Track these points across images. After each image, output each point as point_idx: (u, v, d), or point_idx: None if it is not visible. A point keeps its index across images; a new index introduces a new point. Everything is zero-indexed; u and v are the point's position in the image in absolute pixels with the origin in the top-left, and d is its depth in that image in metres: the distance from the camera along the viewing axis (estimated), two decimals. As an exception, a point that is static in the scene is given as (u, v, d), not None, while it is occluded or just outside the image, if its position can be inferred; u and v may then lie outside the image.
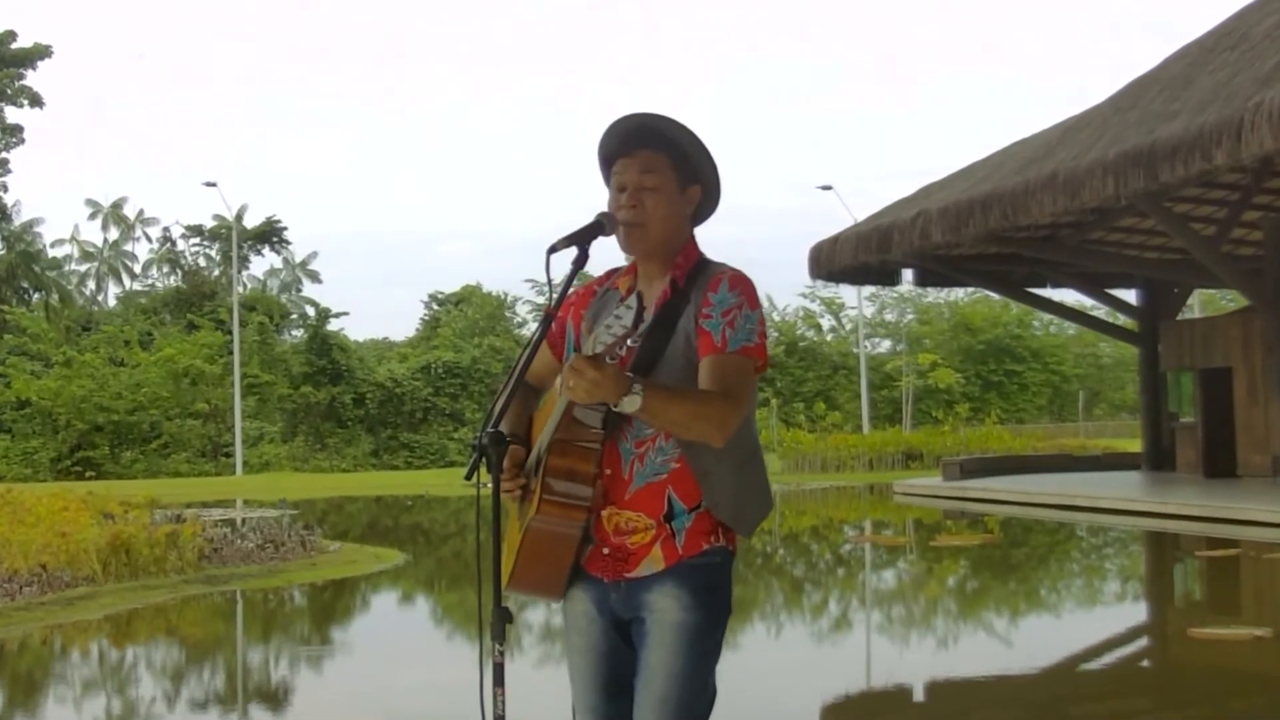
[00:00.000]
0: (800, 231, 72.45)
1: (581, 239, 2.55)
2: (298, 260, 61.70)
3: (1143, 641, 9.28)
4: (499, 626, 2.47)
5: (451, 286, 52.03)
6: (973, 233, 18.55)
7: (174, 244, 58.61)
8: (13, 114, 47.66)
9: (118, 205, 62.58)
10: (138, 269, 62.65)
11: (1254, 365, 19.79)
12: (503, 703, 2.45)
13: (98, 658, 8.60)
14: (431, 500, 25.78)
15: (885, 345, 51.44)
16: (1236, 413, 20.31)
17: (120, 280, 62.59)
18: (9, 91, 46.72)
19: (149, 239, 62.38)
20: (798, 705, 6.53)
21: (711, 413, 2.48)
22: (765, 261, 30.78)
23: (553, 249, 2.50)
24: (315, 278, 62.74)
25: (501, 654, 2.47)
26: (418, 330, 51.76)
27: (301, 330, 50.82)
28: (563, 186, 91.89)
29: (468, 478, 2.46)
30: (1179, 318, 25.21)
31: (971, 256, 22.12)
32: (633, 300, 2.39)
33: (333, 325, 46.45)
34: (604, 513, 2.60)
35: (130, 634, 9.38)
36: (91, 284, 62.66)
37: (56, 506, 13.85)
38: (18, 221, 53.29)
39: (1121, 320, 28.15)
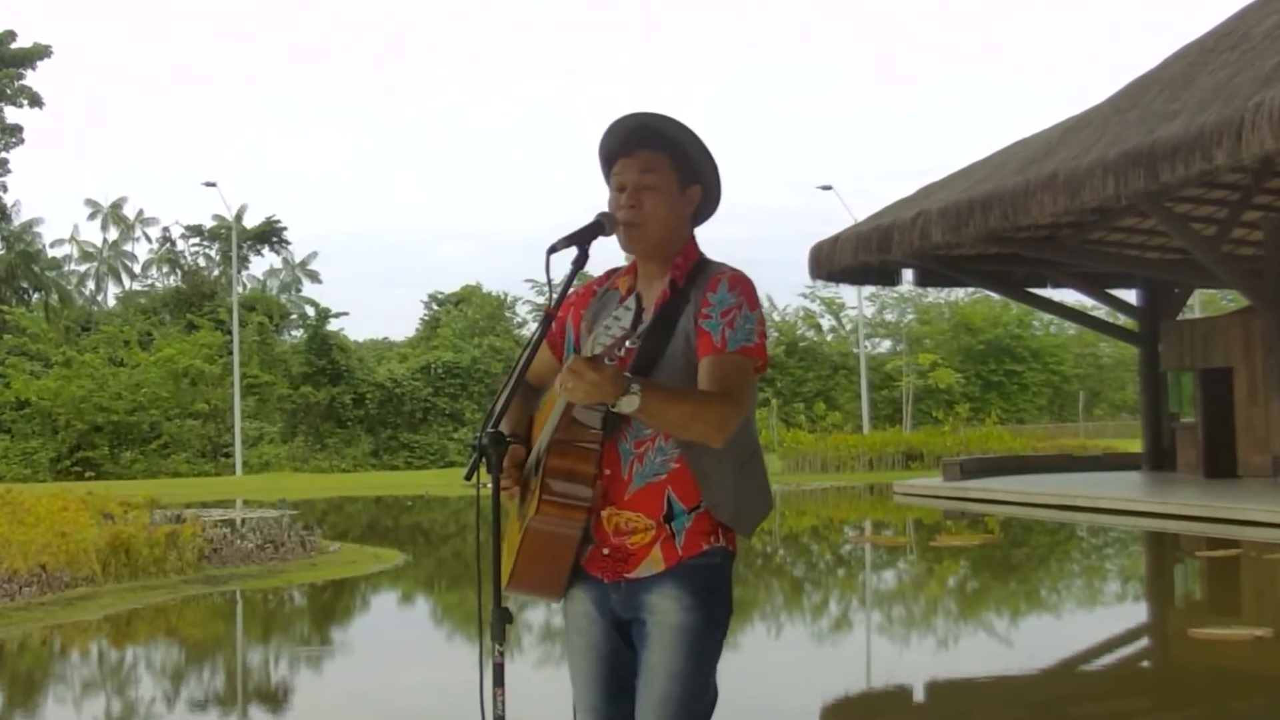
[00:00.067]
0: (800, 231, 72.52)
1: (581, 239, 2.55)
2: (297, 260, 61.74)
3: (1143, 642, 9.28)
4: (499, 627, 2.46)
5: (451, 286, 52.10)
6: (973, 233, 18.54)
7: (174, 244, 58.65)
8: (12, 114, 47.70)
9: (117, 205, 62.60)
10: (137, 269, 62.71)
11: (1254, 365, 19.79)
12: (503, 703, 2.45)
13: (97, 658, 8.59)
14: (431, 500, 25.78)
15: (885, 345, 51.47)
16: (1237, 413, 20.30)
17: (120, 280, 62.64)
18: (9, 91, 46.71)
19: (149, 239, 62.48)
20: (798, 706, 6.52)
21: (711, 413, 2.47)
22: (765, 261, 30.80)
23: (553, 249, 2.50)
24: (315, 278, 62.78)
25: (501, 654, 2.46)
26: (418, 330, 51.77)
27: (301, 330, 50.82)
28: (563, 186, 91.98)
29: (468, 478, 2.46)
30: (1179, 318, 25.21)
31: (972, 256, 22.11)
32: (631, 301, 2.38)
33: (332, 325, 46.50)
34: (604, 513, 2.59)
35: (130, 634, 9.37)
36: (91, 284, 62.71)
37: (56, 507, 13.85)
38: (17, 221, 53.31)
39: (1122, 320, 28.14)
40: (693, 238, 2.72)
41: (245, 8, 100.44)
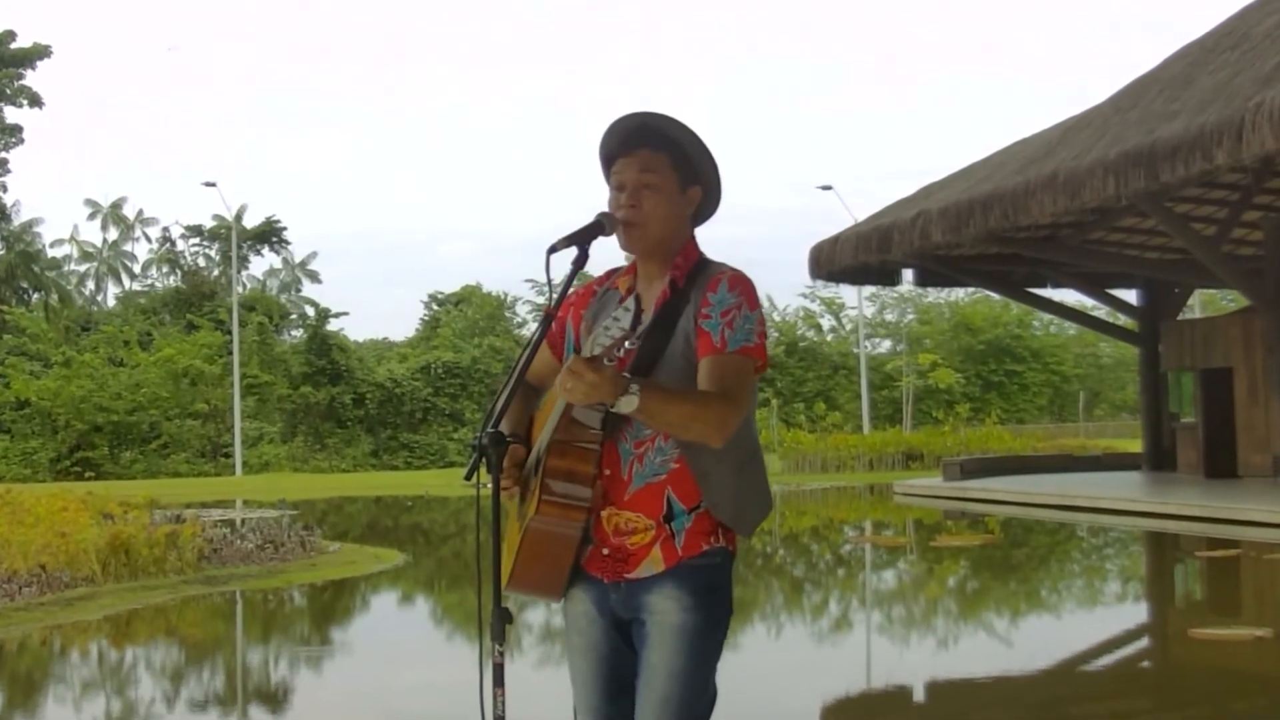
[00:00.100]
0: (800, 231, 72.49)
1: (581, 239, 2.55)
2: (297, 260, 61.74)
3: (1143, 642, 9.27)
4: (499, 627, 2.46)
5: (451, 286, 52.09)
6: (973, 233, 18.54)
7: (173, 244, 58.66)
8: (12, 114, 47.69)
9: (117, 205, 62.59)
10: (137, 269, 62.70)
11: (1254, 365, 19.78)
12: (503, 703, 2.44)
13: (97, 658, 8.59)
14: (431, 500, 25.77)
15: (885, 345, 51.47)
16: (1237, 413, 20.30)
17: (120, 280, 62.64)
18: (8, 91, 46.71)
19: (148, 239, 62.48)
20: (798, 706, 6.52)
21: (710, 414, 2.47)
22: (765, 261, 30.76)
23: (553, 249, 2.50)
24: (315, 278, 62.78)
25: (501, 654, 2.46)
26: (417, 330, 51.77)
27: (301, 330, 50.83)
28: (563, 186, 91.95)
29: (467, 478, 2.46)
30: (1179, 318, 25.21)
31: (972, 256, 22.11)
32: (630, 302, 2.38)
33: (332, 325, 46.50)
34: (603, 513, 2.59)
35: (129, 634, 9.37)
36: (91, 284, 62.71)
37: (56, 507, 13.84)
38: (17, 221, 53.32)
39: (1122, 320, 28.14)
40: (693, 238, 2.72)
41: (245, 8, 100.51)
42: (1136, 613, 10.76)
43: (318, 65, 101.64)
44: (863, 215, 24.92)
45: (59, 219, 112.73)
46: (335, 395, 42.89)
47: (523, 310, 50.75)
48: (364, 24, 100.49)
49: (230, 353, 41.00)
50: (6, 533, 11.62)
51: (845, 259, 21.68)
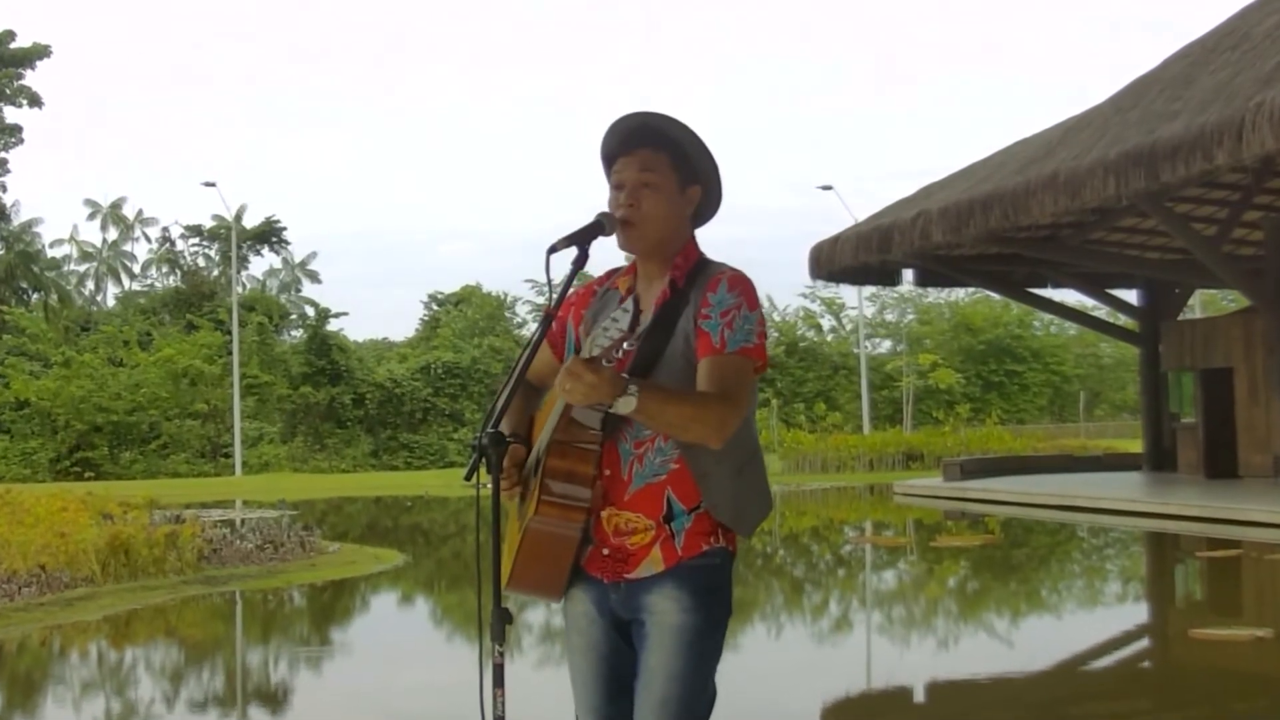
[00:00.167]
0: (800, 231, 72.51)
1: (581, 239, 2.55)
2: (297, 260, 61.74)
3: (1144, 642, 9.27)
4: (499, 627, 2.46)
5: (451, 286, 52.06)
6: (973, 233, 18.54)
7: (173, 244, 58.65)
8: (12, 114, 47.67)
9: (117, 205, 62.59)
10: (137, 269, 62.70)
11: (1255, 365, 19.78)
12: (502, 704, 2.44)
13: (96, 659, 8.58)
14: (431, 501, 25.77)
15: (886, 345, 51.46)
16: (1237, 413, 20.29)
17: (119, 280, 62.62)
18: (8, 91, 46.69)
19: (148, 239, 62.48)
20: (798, 706, 6.52)
21: (709, 415, 2.47)
22: (765, 261, 30.81)
23: (553, 249, 2.49)
24: (315, 278, 62.78)
25: (501, 655, 2.46)
26: (417, 330, 51.75)
27: (301, 330, 50.82)
28: (563, 186, 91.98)
29: (467, 478, 2.45)
30: (1180, 318, 25.20)
31: (972, 257, 22.10)
32: (629, 303, 2.38)
33: (332, 325, 46.47)
34: (603, 514, 2.59)
35: (129, 635, 9.36)
36: (90, 284, 62.69)
37: (55, 507, 13.84)
38: (17, 221, 53.31)
39: (1122, 320, 28.14)
40: (693, 238, 2.71)
41: (245, 8, 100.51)
42: (1137, 613, 10.76)
43: (318, 65, 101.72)
44: (863, 215, 24.95)
45: (59, 219, 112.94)
46: (335, 395, 42.88)
47: (523, 310, 50.80)
48: (364, 24, 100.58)
49: (230, 353, 40.99)
50: (6, 533, 11.61)
51: (845, 259, 21.68)
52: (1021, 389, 49.44)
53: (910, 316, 51.36)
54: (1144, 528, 15.83)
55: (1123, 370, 50.22)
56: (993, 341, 48.88)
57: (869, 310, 48.80)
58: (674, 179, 2.64)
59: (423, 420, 43.63)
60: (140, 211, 62.98)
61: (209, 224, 55.10)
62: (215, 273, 55.13)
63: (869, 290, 44.61)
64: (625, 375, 2.43)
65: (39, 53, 47.27)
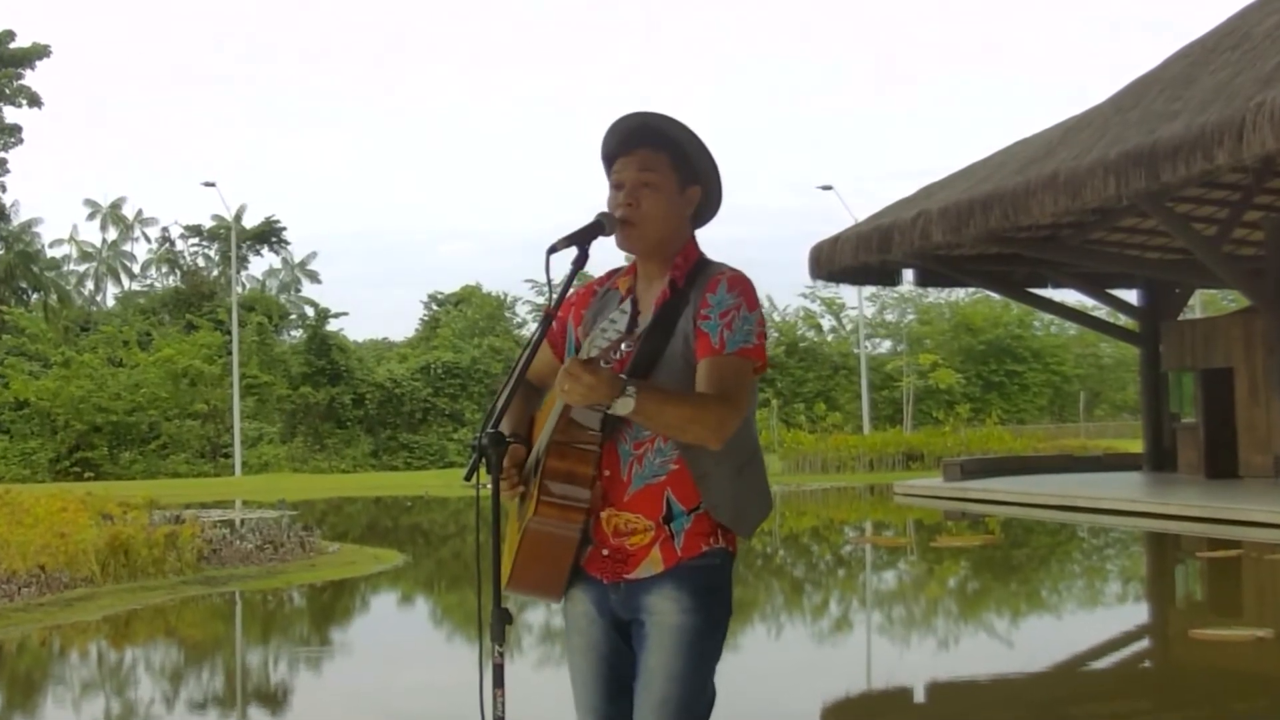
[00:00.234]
0: (800, 231, 72.50)
1: (581, 239, 2.54)
2: (297, 260, 61.74)
3: (1144, 642, 9.26)
4: (499, 628, 2.45)
5: (451, 287, 52.06)
6: (973, 233, 18.53)
7: (173, 244, 58.68)
8: (11, 114, 47.66)
9: (116, 205, 62.60)
10: (136, 269, 62.70)
11: (1255, 366, 19.78)
12: (502, 704, 2.44)
13: (96, 659, 8.58)
14: (431, 501, 25.76)
15: (886, 345, 51.46)
16: (1238, 413, 20.29)
17: (119, 280, 62.63)
18: (7, 91, 46.69)
19: (148, 239, 62.50)
20: (798, 707, 6.51)
21: (708, 416, 2.46)
22: (765, 261, 30.81)
23: (553, 249, 2.49)
24: (314, 278, 62.78)
25: (501, 655, 2.46)
26: (417, 330, 51.74)
27: (301, 330, 50.82)
28: (563, 186, 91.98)
29: (467, 478, 2.45)
30: (1180, 318, 25.19)
31: (972, 257, 22.10)
32: (627, 304, 2.38)
33: (332, 325, 46.48)
34: (603, 514, 2.58)
35: (129, 635, 9.36)
36: (90, 284, 62.69)
37: (55, 507, 13.84)
38: (16, 222, 53.30)
39: (1123, 320, 28.14)
40: (693, 238, 2.71)
41: (245, 8, 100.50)
42: (1137, 613, 10.75)
43: (318, 65, 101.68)
44: (863, 215, 24.94)
45: (58, 219, 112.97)
46: (335, 395, 42.87)
47: (523, 310, 50.80)
48: (364, 24, 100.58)
49: (230, 353, 40.98)
50: (6, 533, 11.61)
51: (845, 259, 21.67)
52: (1022, 389, 49.44)
53: (910, 316, 51.36)
54: (1144, 528, 15.83)
55: (1123, 370, 50.22)
56: (993, 341, 48.88)
57: (869, 310, 48.85)
58: (674, 179, 2.64)
59: (423, 420, 43.63)
60: (140, 211, 63.08)
61: (209, 224, 55.20)
62: (215, 273, 55.13)
63: (869, 290, 44.65)
64: (623, 376, 2.43)
65: (39, 53, 47.26)
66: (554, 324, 2.72)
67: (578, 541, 2.58)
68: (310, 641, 9.27)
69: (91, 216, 62.68)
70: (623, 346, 2.52)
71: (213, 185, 42.17)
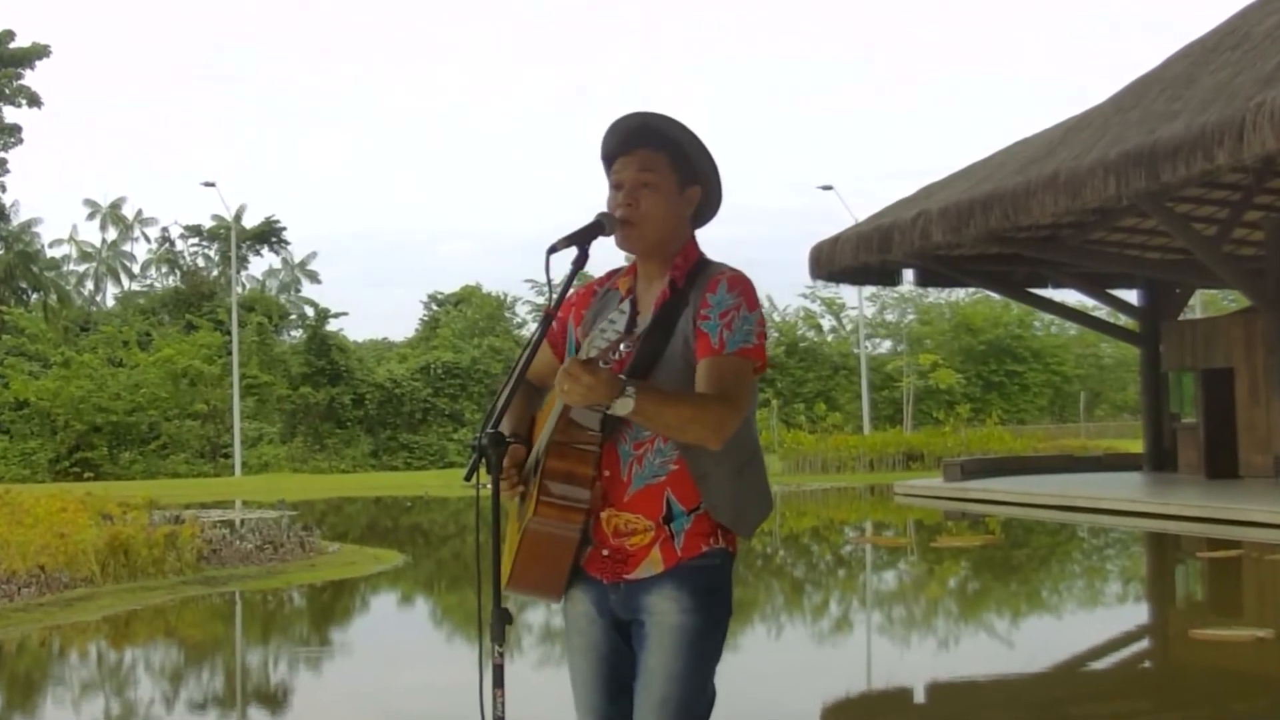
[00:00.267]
0: (800, 231, 72.52)
1: (581, 239, 2.54)
2: (297, 260, 61.73)
3: (1144, 643, 9.26)
4: (498, 628, 2.45)
5: (451, 287, 52.03)
6: (974, 233, 18.53)
7: (172, 244, 58.67)
8: (11, 114, 47.64)
9: (116, 205, 62.59)
10: (136, 269, 62.69)
11: (1256, 366, 19.77)
12: (502, 704, 2.44)
13: (96, 659, 8.57)
14: (431, 501, 25.76)
15: (886, 346, 51.44)
16: (1238, 413, 20.29)
17: (119, 280, 62.62)
18: (7, 91, 46.67)
19: (147, 239, 62.49)
20: (798, 707, 6.51)
21: (708, 416, 2.46)
22: (765, 261, 30.82)
23: (553, 249, 2.49)
24: (314, 278, 62.77)
25: (501, 655, 2.45)
26: (417, 331, 51.73)
27: (300, 331, 50.81)
28: (563, 186, 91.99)
29: (467, 478, 2.45)
30: (1180, 318, 25.20)
31: (972, 257, 22.10)
32: (626, 305, 2.38)
33: (332, 325, 46.47)
34: (603, 514, 2.58)
35: (129, 635, 9.35)
36: (90, 284, 62.67)
37: (55, 507, 13.83)
38: (16, 222, 53.28)
39: (1123, 321, 28.14)
40: (693, 238, 2.71)
41: (245, 8, 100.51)
42: (1137, 613, 10.75)
43: (318, 65, 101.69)
44: (863, 215, 24.94)
45: (58, 219, 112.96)
46: (335, 396, 42.87)
47: (523, 310, 50.78)
48: (364, 24, 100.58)
49: (229, 353, 40.98)
50: (5, 533, 11.60)
51: (845, 259, 21.67)
52: (1022, 389, 49.43)
53: (910, 316, 51.35)
54: (1144, 528, 15.83)
55: (1123, 370, 50.22)
56: (993, 342, 48.88)
57: (869, 310, 48.84)
58: (673, 179, 2.64)
59: (422, 420, 43.62)
60: (140, 211, 63.07)
61: (209, 224, 55.19)
62: (215, 273, 55.12)
63: (869, 290, 44.64)
64: (622, 376, 2.43)
65: (39, 53, 47.25)
66: (554, 324, 2.72)
67: (577, 542, 2.57)
68: (310, 642, 9.27)
69: (91, 216, 62.73)
70: (622, 347, 2.52)
71: (213, 185, 42.21)
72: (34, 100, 47.33)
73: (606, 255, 2.75)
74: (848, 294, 47.20)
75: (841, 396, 46.38)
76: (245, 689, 7.54)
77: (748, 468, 2.62)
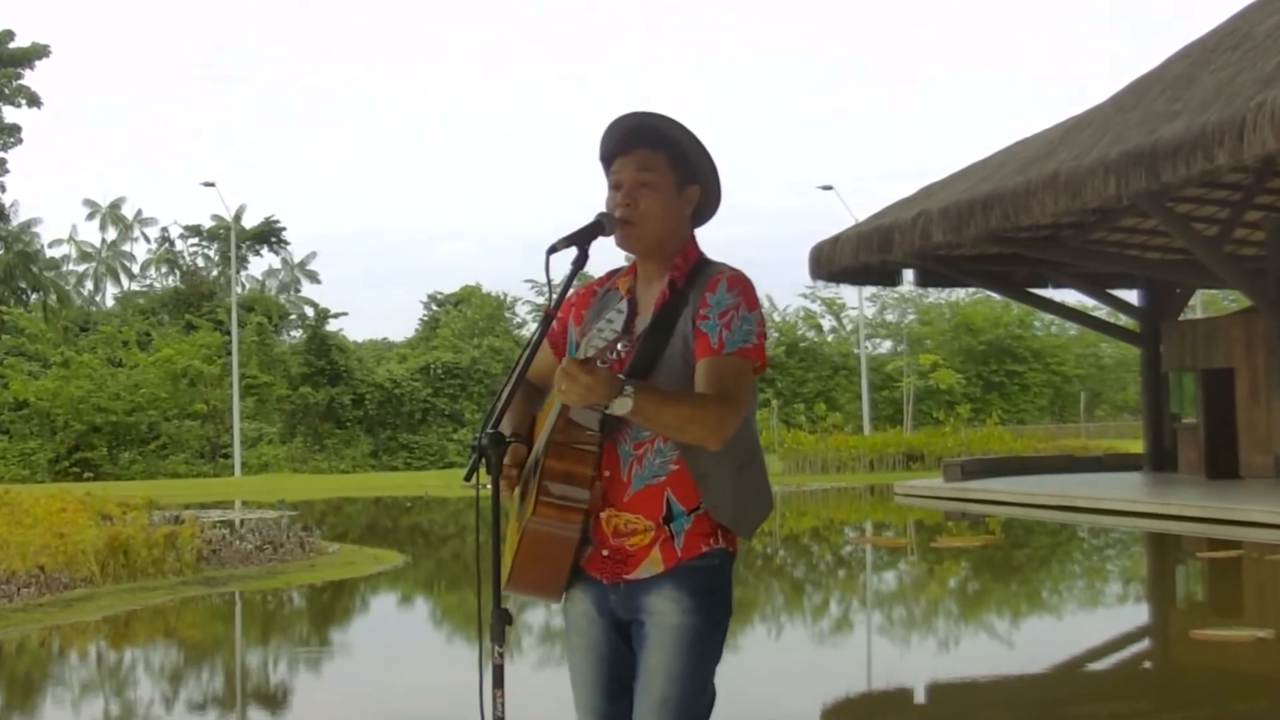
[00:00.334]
0: (800, 231, 72.54)
1: (581, 239, 2.54)
2: (296, 260, 61.74)
3: (1145, 643, 9.26)
4: (498, 628, 2.45)
5: (451, 287, 52.04)
6: (974, 233, 18.53)
7: (172, 244, 58.68)
8: (11, 114, 47.63)
9: (116, 205, 62.59)
10: (136, 269, 62.68)
11: (1256, 366, 19.77)
12: (502, 704, 2.43)
13: (96, 659, 8.57)
14: (431, 501, 25.75)
15: (886, 346, 51.44)
16: (1238, 413, 20.28)
17: (118, 281, 62.62)
18: (7, 91, 46.66)
19: (147, 239, 62.50)
20: (798, 707, 6.50)
21: (707, 416, 2.46)
22: (765, 261, 30.80)
23: (552, 249, 2.49)
24: (314, 278, 62.77)
25: (501, 656, 2.45)
26: (417, 331, 51.72)
27: (300, 331, 50.81)
28: (563, 186, 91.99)
29: (467, 479, 2.44)
30: (1181, 318, 25.19)
31: (973, 257, 22.09)
32: (623, 305, 2.38)
33: (332, 326, 46.47)
34: (603, 515, 2.58)
35: (128, 636, 9.35)
36: (89, 284, 62.67)
37: (54, 508, 13.83)
38: (15, 222, 53.26)
39: (1123, 321, 28.14)
40: (692, 238, 2.70)
41: (245, 8, 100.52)
42: (1138, 614, 10.75)
43: (318, 65, 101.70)
44: (863, 215, 24.94)
45: (58, 219, 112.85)
46: (334, 396, 42.86)
47: (522, 310, 50.78)
48: (364, 24, 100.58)
49: (229, 353, 40.97)
50: (5, 533, 11.60)
51: (845, 259, 21.66)
52: (1022, 389, 49.43)
53: (910, 317, 51.35)
54: (1145, 528, 15.82)
55: (1123, 370, 50.21)
56: (993, 342, 48.87)
57: (869, 310, 48.84)
58: (672, 179, 2.63)
59: (422, 421, 43.62)
60: (139, 211, 63.10)
61: (208, 224, 55.20)
62: (214, 273, 55.11)
63: (869, 290, 44.63)
64: (621, 376, 2.42)
65: (38, 53, 47.24)
66: (554, 324, 2.71)
67: (577, 542, 2.57)
68: (310, 642, 9.27)
69: (91, 216, 62.73)
70: (619, 346, 2.52)
71: (212, 185, 42.20)
72: (34, 100, 47.33)
73: (606, 255, 2.75)
74: (848, 294, 47.26)
75: (841, 396, 46.38)
76: (245, 689, 7.53)
77: (748, 468, 2.62)
